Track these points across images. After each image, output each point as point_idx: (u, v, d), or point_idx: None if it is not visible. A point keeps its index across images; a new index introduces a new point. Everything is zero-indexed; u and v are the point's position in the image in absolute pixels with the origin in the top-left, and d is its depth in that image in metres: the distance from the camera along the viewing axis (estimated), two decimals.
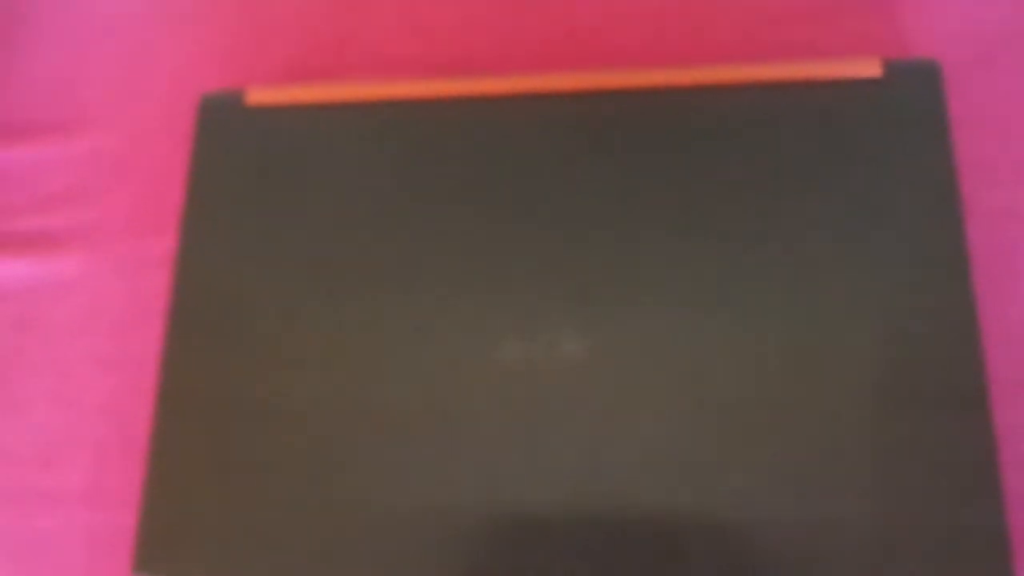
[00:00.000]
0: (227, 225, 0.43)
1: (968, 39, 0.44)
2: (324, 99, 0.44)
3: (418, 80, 0.44)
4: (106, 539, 0.41)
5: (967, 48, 0.44)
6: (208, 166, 0.44)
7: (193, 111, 0.45)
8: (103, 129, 0.49)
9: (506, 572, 0.36)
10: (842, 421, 0.36)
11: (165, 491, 0.39)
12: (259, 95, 0.45)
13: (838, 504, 0.35)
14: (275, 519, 0.38)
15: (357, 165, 0.43)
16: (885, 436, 0.36)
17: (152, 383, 0.41)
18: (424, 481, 0.38)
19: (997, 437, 0.35)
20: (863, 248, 0.38)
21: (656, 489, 0.36)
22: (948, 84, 0.41)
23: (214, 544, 0.38)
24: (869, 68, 0.41)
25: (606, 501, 0.36)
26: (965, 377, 0.36)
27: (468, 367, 0.39)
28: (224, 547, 0.38)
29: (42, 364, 0.45)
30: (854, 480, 0.35)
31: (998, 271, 0.40)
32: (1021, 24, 0.45)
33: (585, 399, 0.38)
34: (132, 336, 0.45)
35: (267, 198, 0.43)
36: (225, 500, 0.39)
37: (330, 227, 0.42)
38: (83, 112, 0.50)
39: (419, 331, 0.40)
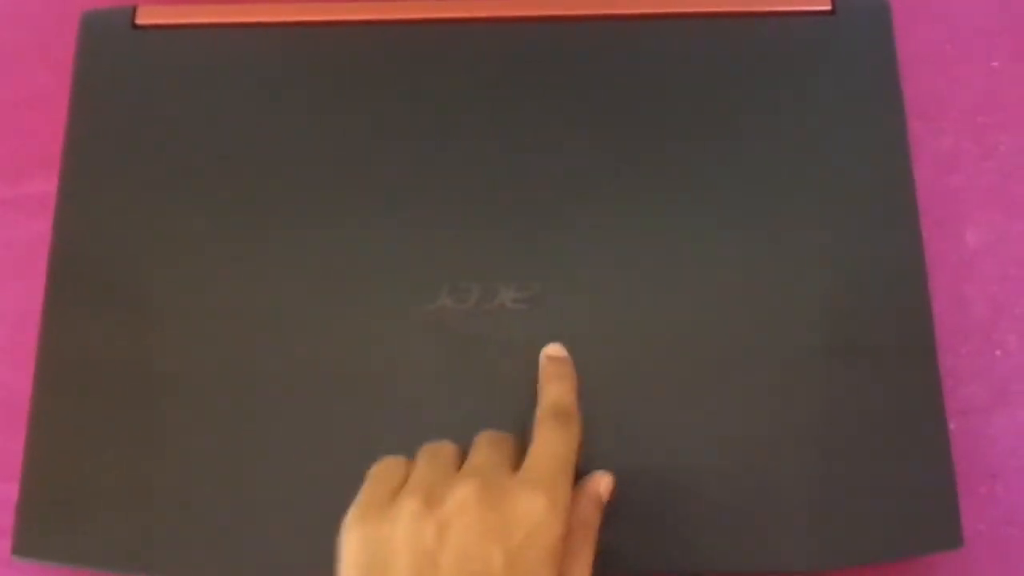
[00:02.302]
0: (114, 163, 0.38)
1: None
2: (223, 20, 0.40)
3: (326, 2, 0.40)
4: None
5: None
6: (92, 95, 0.39)
7: (72, 32, 0.40)
8: None
9: None
10: (786, 372, 0.35)
11: (47, 468, 0.34)
12: (150, 15, 0.39)
13: (783, 459, 0.34)
14: (174, 497, 0.34)
15: (261, 94, 0.39)
16: (830, 388, 0.35)
17: (32, 345, 0.36)
18: (347, 449, 0.34)
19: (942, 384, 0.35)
20: (810, 189, 0.37)
21: (595, 444, 0.34)
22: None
23: (104, 526, 0.34)
24: (818, 1, 0.39)
25: None
26: (912, 325, 0.36)
27: (395, 321, 0.35)
28: (116, 529, 0.34)
29: None
30: (799, 434, 0.34)
31: (943, 213, 0.40)
32: None
33: (524, 352, 0.35)
34: (5, 292, 0.39)
35: (160, 132, 0.38)
36: (116, 477, 0.34)
37: (233, 165, 0.38)
38: None
39: (338, 282, 0.36)
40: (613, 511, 0.32)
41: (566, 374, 0.34)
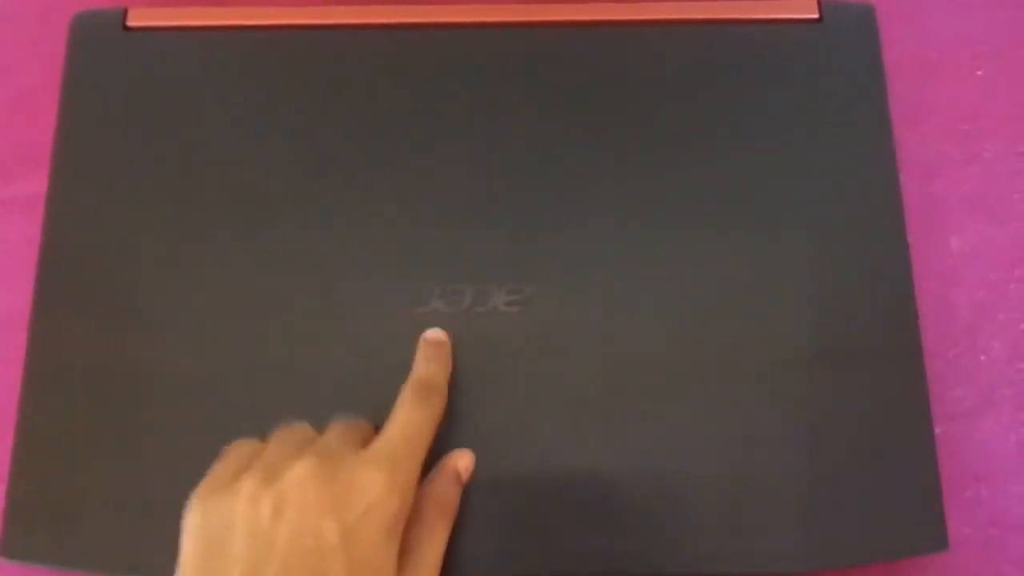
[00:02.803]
0: (104, 164, 0.38)
1: None
2: (214, 22, 0.40)
3: (318, 6, 0.40)
4: None
5: None
6: (82, 96, 0.39)
7: (63, 33, 0.39)
8: None
9: None
10: (774, 376, 0.35)
11: (34, 470, 0.34)
12: (142, 16, 0.39)
13: (769, 461, 0.34)
14: (162, 500, 0.33)
15: (252, 97, 0.39)
16: (817, 392, 0.35)
17: (20, 346, 0.36)
18: None
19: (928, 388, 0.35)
20: (797, 194, 0.37)
21: (585, 444, 0.34)
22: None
23: (91, 529, 0.33)
24: (806, 8, 0.40)
25: (536, 458, 0.34)
26: (897, 329, 0.36)
27: (387, 323, 0.35)
28: (103, 532, 0.33)
29: None
30: (786, 437, 0.34)
31: (928, 219, 0.40)
32: None
33: (515, 354, 0.35)
34: None
35: (150, 133, 0.38)
36: (104, 479, 0.34)
37: (223, 167, 0.38)
38: None
39: (330, 285, 0.36)
40: (603, 515, 0.32)
41: (440, 357, 0.34)
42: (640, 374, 0.35)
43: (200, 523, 0.28)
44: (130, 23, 0.39)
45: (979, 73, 0.43)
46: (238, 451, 0.30)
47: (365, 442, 0.30)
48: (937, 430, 0.36)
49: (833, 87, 0.39)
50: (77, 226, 0.37)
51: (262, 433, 0.34)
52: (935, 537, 0.33)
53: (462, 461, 0.32)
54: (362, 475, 0.28)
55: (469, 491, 0.33)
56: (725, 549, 0.33)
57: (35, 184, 0.38)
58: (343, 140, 0.38)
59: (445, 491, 0.31)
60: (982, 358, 0.39)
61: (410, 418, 0.31)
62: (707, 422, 0.34)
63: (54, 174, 0.38)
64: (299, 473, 0.28)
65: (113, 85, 0.39)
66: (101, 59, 0.39)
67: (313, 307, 0.36)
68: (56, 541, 0.33)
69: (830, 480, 0.34)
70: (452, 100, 0.38)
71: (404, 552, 0.29)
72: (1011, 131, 0.42)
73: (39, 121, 0.39)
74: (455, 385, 0.35)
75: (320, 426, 0.32)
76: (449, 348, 0.34)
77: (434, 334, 0.35)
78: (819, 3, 0.40)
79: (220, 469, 0.30)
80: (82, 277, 0.36)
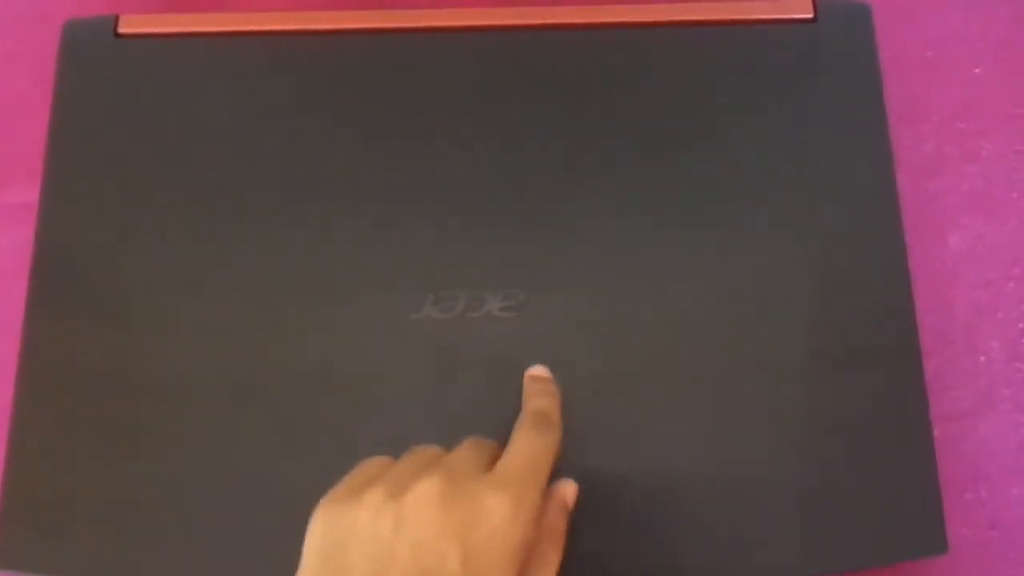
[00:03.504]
0: (97, 171, 0.38)
1: None
2: (206, 29, 0.39)
3: (308, 12, 0.40)
4: None
5: None
6: (74, 103, 0.39)
7: (54, 40, 0.39)
8: None
9: None
10: (771, 379, 0.35)
11: (28, 478, 0.34)
12: (132, 23, 0.39)
13: (768, 465, 0.34)
14: (155, 508, 0.34)
15: (244, 103, 0.39)
16: (815, 394, 0.35)
17: (13, 353, 0.36)
18: (332, 460, 0.33)
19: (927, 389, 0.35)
20: (794, 195, 0.37)
21: (581, 450, 0.34)
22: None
23: (85, 537, 0.33)
24: (800, 8, 0.39)
25: None
26: (895, 329, 0.36)
27: (382, 330, 0.35)
28: (97, 540, 0.33)
29: None
30: (785, 440, 0.34)
31: (926, 218, 0.40)
32: None
33: (510, 359, 0.35)
34: None
35: (142, 140, 0.38)
36: (97, 488, 0.34)
37: (216, 173, 0.37)
38: None
39: (323, 293, 0.36)
40: (600, 519, 0.32)
41: (550, 391, 0.34)
42: (635, 378, 0.35)
43: (322, 531, 0.28)
44: (121, 30, 0.39)
45: (976, 71, 0.42)
46: (368, 466, 0.30)
47: (493, 461, 0.30)
48: (936, 431, 0.35)
49: (829, 87, 0.39)
50: (69, 232, 0.37)
51: (256, 439, 0.34)
52: (935, 540, 0.33)
53: (569, 491, 0.32)
54: (489, 498, 0.27)
55: None
56: (725, 554, 0.33)
57: (27, 192, 0.38)
58: (335, 147, 0.38)
59: (557, 521, 0.31)
60: (981, 358, 0.38)
61: (531, 446, 0.30)
62: (704, 427, 0.34)
63: (46, 181, 0.37)
64: (424, 490, 0.27)
65: (104, 92, 0.39)
66: (92, 66, 0.39)
67: (306, 314, 0.35)
68: (49, 550, 0.33)
69: (829, 483, 0.34)
70: (446, 105, 0.38)
71: None
72: (1009, 130, 0.41)
73: (30, 128, 0.39)
74: (452, 392, 0.34)
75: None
76: (554, 381, 0.34)
77: (538, 371, 0.35)
78: (814, 3, 0.39)
79: (348, 481, 0.29)
80: (75, 284, 0.36)
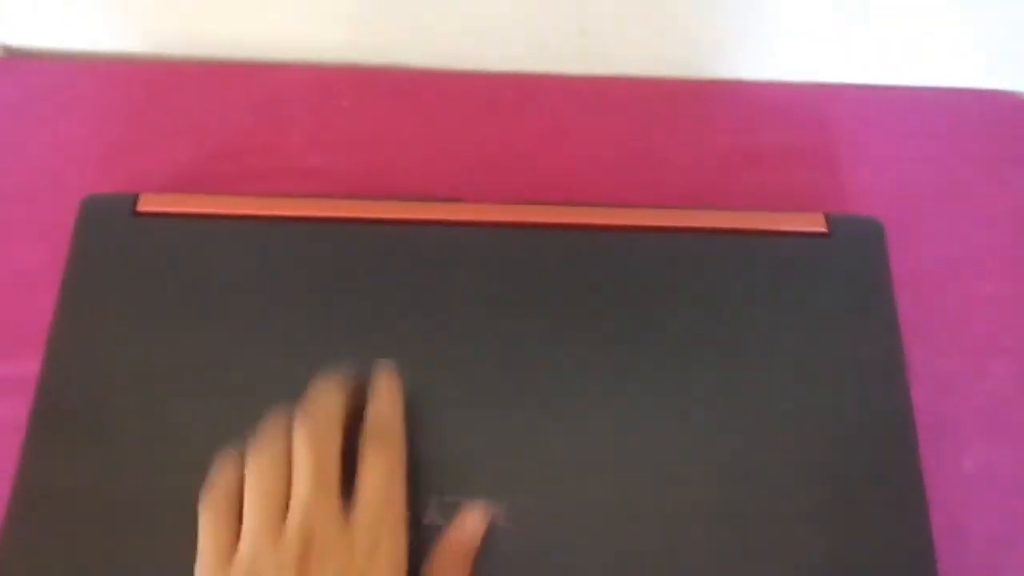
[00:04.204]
0: (104, 345, 0.37)
1: (904, 199, 0.45)
2: (225, 211, 0.40)
3: (323, 199, 0.41)
4: None
5: (903, 208, 0.44)
6: (87, 277, 0.38)
7: (70, 214, 0.39)
8: None
9: None
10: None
11: None
12: (152, 202, 0.39)
13: None
14: None
15: (258, 285, 0.38)
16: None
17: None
18: None
19: None
20: (807, 409, 0.37)
21: None
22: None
23: None
24: (814, 223, 0.40)
25: None
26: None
27: None
28: None
29: None
30: None
31: (939, 435, 0.39)
32: (954, 187, 0.45)
33: (505, 568, 0.33)
34: None
35: (149, 314, 0.38)
36: None
37: (221, 354, 0.37)
38: None
39: None
40: None
41: (393, 398, 0.35)
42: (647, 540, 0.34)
43: None
44: (140, 208, 0.39)
45: (988, 288, 0.43)
46: (217, 538, 0.31)
47: (339, 484, 0.31)
48: None
49: (843, 302, 0.38)
50: (68, 405, 0.36)
51: None
52: None
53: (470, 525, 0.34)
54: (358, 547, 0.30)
55: None
56: None
57: (23, 367, 0.37)
58: (338, 333, 0.37)
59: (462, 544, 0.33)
60: None
61: (377, 475, 0.32)
62: None
63: (50, 350, 0.37)
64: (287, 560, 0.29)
65: (119, 268, 0.38)
66: (108, 241, 0.39)
67: None
68: None
69: None
70: (451, 298, 0.38)
71: None
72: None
73: (31, 302, 0.39)
74: None
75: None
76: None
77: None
78: (827, 218, 0.40)
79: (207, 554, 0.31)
80: (71, 468, 0.35)
